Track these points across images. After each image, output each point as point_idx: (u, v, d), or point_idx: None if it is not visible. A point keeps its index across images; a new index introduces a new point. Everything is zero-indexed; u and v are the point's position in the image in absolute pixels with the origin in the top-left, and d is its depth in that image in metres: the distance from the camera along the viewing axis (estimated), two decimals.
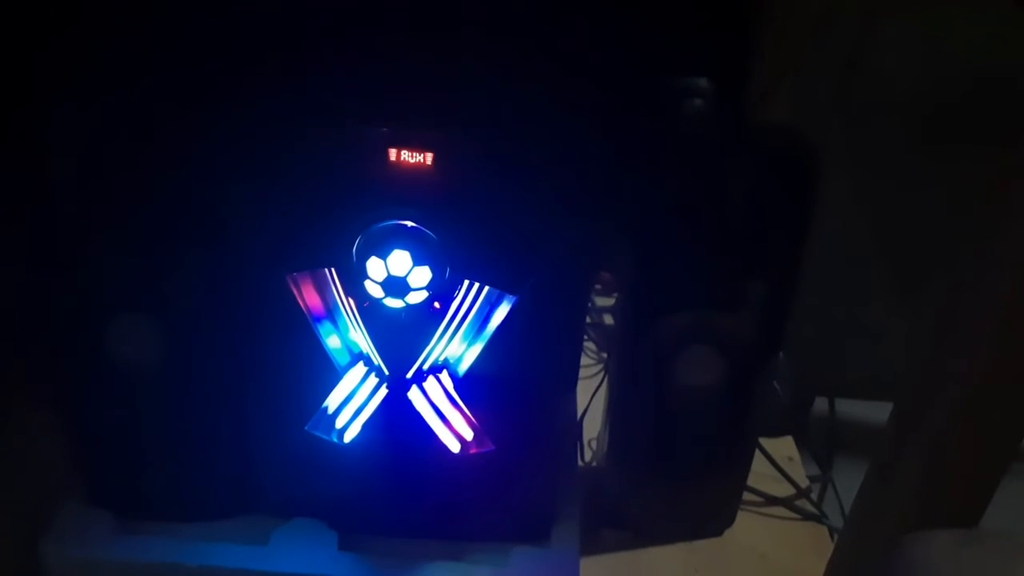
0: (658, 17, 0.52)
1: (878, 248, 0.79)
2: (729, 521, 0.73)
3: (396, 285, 0.51)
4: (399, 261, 0.50)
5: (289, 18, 0.49)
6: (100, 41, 0.49)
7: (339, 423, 0.57)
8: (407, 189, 0.50)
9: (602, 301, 0.92)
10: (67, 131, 0.51)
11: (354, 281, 0.52)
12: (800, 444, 0.83)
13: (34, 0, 0.49)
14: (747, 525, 0.74)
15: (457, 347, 0.56)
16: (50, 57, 0.50)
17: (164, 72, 0.49)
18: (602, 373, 0.80)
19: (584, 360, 0.85)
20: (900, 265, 0.80)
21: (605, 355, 0.87)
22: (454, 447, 0.57)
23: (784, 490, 0.78)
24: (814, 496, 0.79)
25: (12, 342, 0.60)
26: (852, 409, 0.88)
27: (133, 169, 0.51)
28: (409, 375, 0.56)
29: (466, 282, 0.53)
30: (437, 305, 0.54)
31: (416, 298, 0.52)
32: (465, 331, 0.55)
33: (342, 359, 0.56)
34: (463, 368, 0.56)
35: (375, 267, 0.51)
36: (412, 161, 0.49)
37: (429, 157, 0.49)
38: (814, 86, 0.70)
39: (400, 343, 0.55)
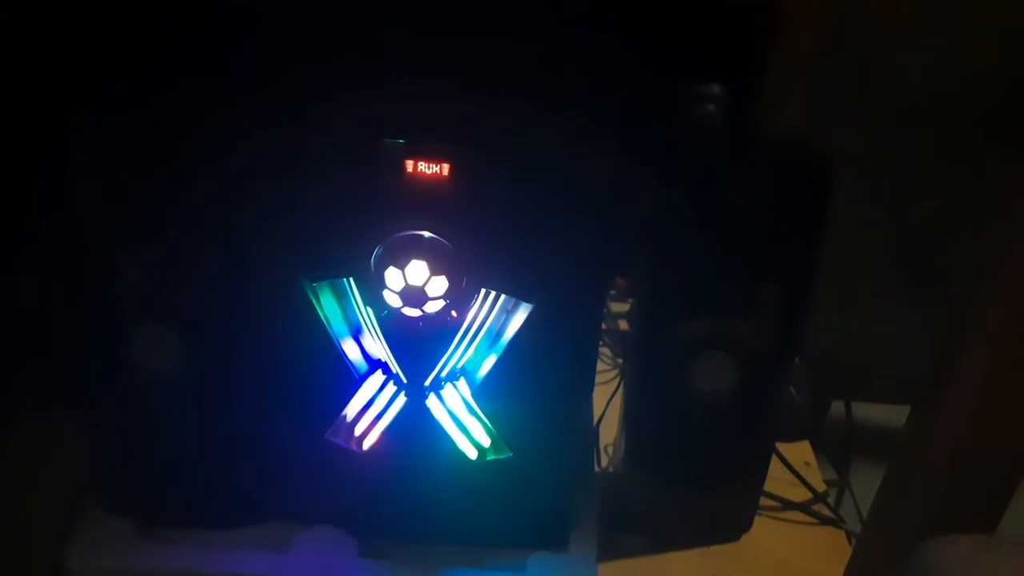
0: (670, 24, 0.52)
1: (894, 251, 0.79)
2: (746, 526, 0.73)
3: (414, 295, 0.52)
4: (417, 271, 0.51)
5: (308, 33, 0.49)
6: (126, 56, 0.50)
7: (358, 431, 0.57)
8: (424, 200, 0.50)
9: (617, 307, 0.92)
10: (94, 144, 0.52)
11: (373, 291, 0.53)
12: (817, 448, 0.83)
13: (63, 16, 0.50)
14: (764, 530, 0.74)
15: (474, 355, 0.56)
16: (77, 70, 0.51)
17: (187, 86, 0.49)
18: (618, 379, 0.80)
19: (600, 366, 0.85)
20: (916, 268, 0.79)
21: (621, 361, 0.87)
22: (471, 454, 0.58)
23: (801, 495, 0.77)
24: (831, 501, 0.79)
25: (37, 351, 0.60)
26: (869, 413, 0.88)
27: (157, 181, 0.52)
28: (427, 383, 0.56)
29: (483, 291, 0.54)
30: (454, 314, 0.54)
31: (434, 307, 0.52)
32: (482, 339, 0.55)
33: (361, 368, 0.57)
34: (480, 375, 0.57)
35: (393, 277, 0.51)
36: (429, 172, 0.49)
37: (445, 168, 0.50)
38: (828, 90, 0.70)
39: (418, 352, 0.55)
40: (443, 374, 0.56)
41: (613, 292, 0.91)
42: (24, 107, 0.53)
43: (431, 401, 0.56)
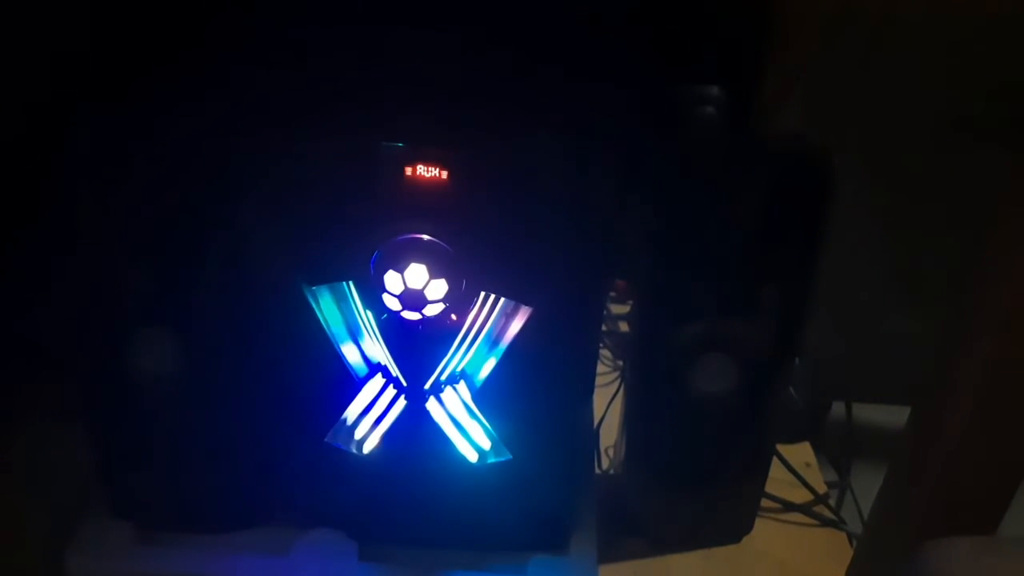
0: (669, 26, 0.52)
1: (894, 252, 0.79)
2: (747, 528, 0.73)
3: (413, 298, 0.52)
4: (416, 274, 0.51)
5: (308, 38, 0.49)
6: (125, 60, 0.50)
7: (358, 434, 0.57)
8: (423, 203, 0.50)
9: (617, 309, 0.92)
10: (90, 148, 0.52)
11: (372, 294, 0.53)
12: (817, 449, 0.83)
13: (64, 19, 0.50)
14: (765, 532, 0.74)
15: (474, 358, 0.56)
16: (76, 75, 0.51)
17: (185, 90, 0.49)
18: (618, 381, 0.80)
19: (600, 368, 0.85)
20: (917, 269, 0.79)
21: (621, 363, 0.87)
22: (472, 457, 0.58)
23: (802, 496, 0.77)
24: (832, 502, 0.79)
25: (37, 355, 0.60)
26: (869, 413, 0.88)
27: (155, 185, 0.52)
28: (427, 386, 0.56)
29: (482, 294, 0.54)
30: (454, 317, 0.54)
31: (433, 310, 0.52)
32: (482, 342, 0.55)
33: (361, 371, 0.57)
34: (480, 378, 0.56)
35: (393, 280, 0.51)
36: (428, 176, 0.50)
37: (444, 171, 0.50)
38: (826, 90, 0.70)
39: (418, 355, 0.55)
40: (443, 377, 0.56)
41: (613, 294, 0.91)
42: (22, 109, 0.53)
43: (431, 404, 0.56)
